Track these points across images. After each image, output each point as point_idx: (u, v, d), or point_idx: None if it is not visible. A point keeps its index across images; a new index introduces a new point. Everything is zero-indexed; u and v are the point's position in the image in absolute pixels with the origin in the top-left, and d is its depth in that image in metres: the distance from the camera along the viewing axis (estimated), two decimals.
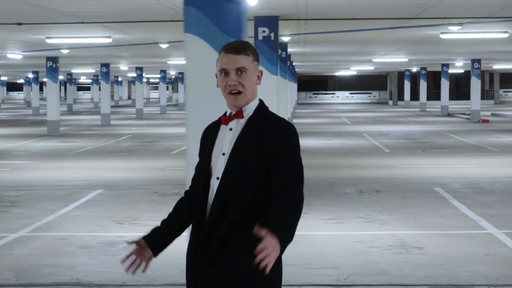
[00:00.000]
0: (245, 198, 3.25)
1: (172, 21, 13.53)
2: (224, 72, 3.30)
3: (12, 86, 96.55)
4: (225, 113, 3.39)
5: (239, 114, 3.33)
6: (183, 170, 16.00)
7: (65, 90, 79.43)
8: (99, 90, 72.58)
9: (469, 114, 38.03)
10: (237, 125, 3.33)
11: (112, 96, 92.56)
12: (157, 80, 77.57)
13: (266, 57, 13.22)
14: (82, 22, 13.75)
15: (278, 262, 3.29)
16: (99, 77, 36.51)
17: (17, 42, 19.25)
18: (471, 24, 14.83)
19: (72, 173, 16.22)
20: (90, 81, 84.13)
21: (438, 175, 15.20)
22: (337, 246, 8.79)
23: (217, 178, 3.31)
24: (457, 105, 59.44)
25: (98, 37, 17.35)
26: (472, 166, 16.78)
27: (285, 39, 18.15)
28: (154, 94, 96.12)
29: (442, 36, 17.29)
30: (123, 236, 9.47)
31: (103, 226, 10.23)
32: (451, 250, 8.50)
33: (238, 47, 3.29)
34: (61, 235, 9.65)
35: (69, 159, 19.37)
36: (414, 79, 64.26)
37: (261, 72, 3.41)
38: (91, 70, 47.06)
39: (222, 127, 3.38)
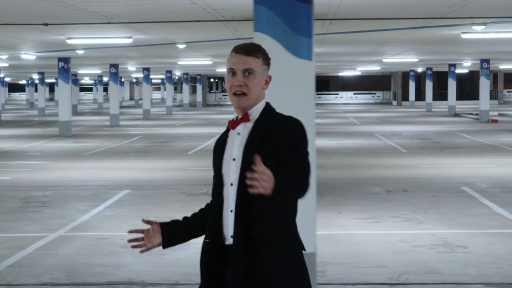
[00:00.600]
0: (266, 203, 3.18)
1: (199, 21, 13.55)
2: (232, 72, 3.28)
3: (13, 87, 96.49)
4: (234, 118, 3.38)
5: (245, 117, 3.30)
6: (204, 170, 16.16)
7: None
8: (103, 91, 73.04)
9: (476, 114, 38.07)
10: (244, 129, 3.30)
11: None
12: (159, 81, 77.62)
13: None
14: (109, 23, 13.74)
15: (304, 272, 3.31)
16: (108, 78, 36.40)
17: (35, 42, 19.23)
18: (494, 24, 14.84)
19: (94, 173, 16.22)
20: (91, 82, 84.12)
21: (462, 174, 15.21)
22: (380, 245, 8.80)
23: (231, 185, 3.27)
24: (461, 105, 59.46)
25: (119, 38, 17.36)
26: (494, 166, 16.79)
27: None
28: (156, 95, 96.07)
29: (463, 36, 17.30)
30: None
31: (139, 226, 10.20)
32: (497, 249, 8.51)
33: (249, 49, 3.27)
34: (101, 234, 9.65)
35: (87, 160, 19.37)
36: (419, 79, 64.32)
37: (270, 77, 3.36)
38: (97, 71, 47.05)
39: (231, 132, 3.35)
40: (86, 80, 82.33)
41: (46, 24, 13.93)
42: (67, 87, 28.76)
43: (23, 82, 78.55)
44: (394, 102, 66.74)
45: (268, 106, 3.34)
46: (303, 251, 3.35)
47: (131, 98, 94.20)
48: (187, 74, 56.73)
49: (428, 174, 15.44)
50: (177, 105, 69.88)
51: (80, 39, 17.46)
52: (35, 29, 15.15)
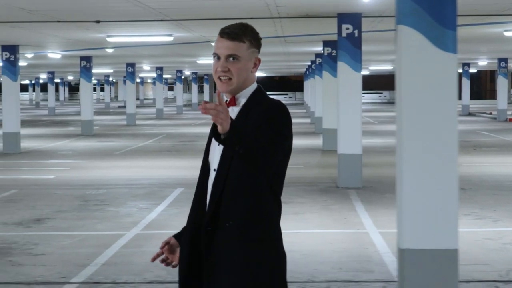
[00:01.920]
0: (242, 190, 3.18)
1: (251, 18, 13.46)
2: (217, 57, 3.22)
3: None
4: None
5: (231, 101, 3.25)
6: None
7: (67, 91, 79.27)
8: (101, 91, 72.66)
9: (490, 113, 38.04)
10: (232, 114, 3.22)
11: (116, 96, 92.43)
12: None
13: (349, 54, 13.14)
14: (162, 20, 13.64)
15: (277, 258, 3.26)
16: (124, 77, 36.26)
17: (69, 40, 19.11)
18: None
19: (138, 172, 16.10)
20: (95, 81, 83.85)
21: (509, 172, 15.18)
22: (468, 243, 8.71)
23: (214, 170, 3.25)
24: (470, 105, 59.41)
25: (160, 36, 17.26)
26: None
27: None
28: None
29: (506, 33, 17.24)
30: None
31: None
32: None
33: (233, 33, 3.18)
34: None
35: (122, 158, 19.26)
36: None
37: (259, 60, 3.29)
38: (109, 71, 46.88)
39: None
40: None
41: (98, 22, 13.84)
42: (89, 86, 28.63)
43: (26, 82, 78.17)
44: None
45: (258, 91, 3.28)
46: (284, 254, 3.34)
47: (137, 98, 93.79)
48: (195, 73, 56.60)
49: (475, 172, 15.37)
50: (183, 104, 69.65)
51: (120, 37, 17.34)
52: (82, 26, 15.04)
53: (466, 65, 42.09)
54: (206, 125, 33.87)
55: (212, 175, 3.25)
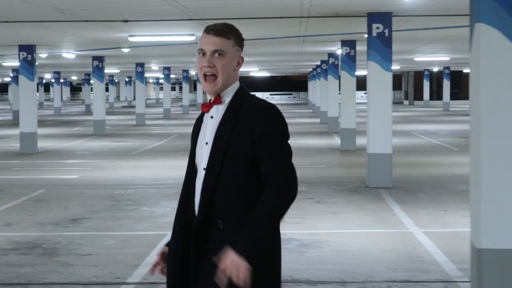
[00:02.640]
0: (234, 189, 3.15)
1: (280, 17, 13.42)
2: (202, 53, 3.22)
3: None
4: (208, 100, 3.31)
5: (217, 100, 3.23)
6: None
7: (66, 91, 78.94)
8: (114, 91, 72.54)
9: None
10: (217, 112, 3.24)
11: (118, 96, 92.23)
12: (162, 81, 77.26)
13: (380, 53, 13.09)
14: (190, 19, 13.58)
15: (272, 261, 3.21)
16: (134, 77, 36.19)
17: (88, 40, 19.05)
18: None
19: (161, 171, 16.05)
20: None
21: None
22: None
23: (204, 169, 3.21)
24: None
25: (182, 35, 17.20)
26: None
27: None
28: (159, 95, 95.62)
29: None
30: (285, 233, 9.33)
31: None
32: None
33: (219, 29, 3.21)
34: None
35: (141, 158, 19.19)
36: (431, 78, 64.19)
37: (242, 59, 3.30)
38: (115, 71, 46.78)
39: (205, 116, 3.28)
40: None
41: (125, 21, 13.77)
42: (102, 86, 28.55)
43: None
44: (405, 102, 66.67)
45: (241, 89, 3.28)
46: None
47: (135, 98, 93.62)
48: None
49: None
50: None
51: (141, 37, 17.27)
52: (108, 26, 14.98)
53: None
54: None
55: (202, 174, 3.21)
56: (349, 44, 20.46)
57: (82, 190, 13.40)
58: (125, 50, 22.57)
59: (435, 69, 55.37)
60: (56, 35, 18.08)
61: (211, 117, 3.25)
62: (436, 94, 65.10)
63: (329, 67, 28.15)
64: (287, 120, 3.25)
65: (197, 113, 48.84)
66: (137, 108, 35.45)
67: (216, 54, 3.18)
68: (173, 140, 25.23)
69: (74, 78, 66.97)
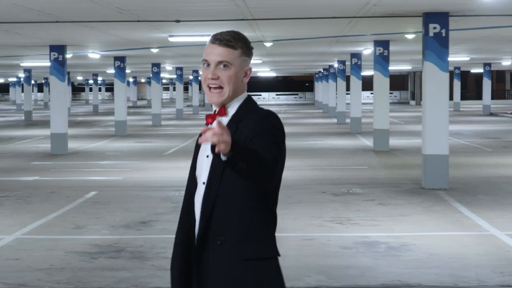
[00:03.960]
0: (234, 204, 3.00)
1: (333, 17, 13.32)
2: (207, 64, 3.05)
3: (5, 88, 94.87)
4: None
5: (221, 111, 3.07)
6: (314, 169, 15.94)
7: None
8: (105, 91, 72.23)
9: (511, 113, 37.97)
10: None
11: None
12: (166, 81, 77.05)
13: (436, 53, 12.99)
14: (243, 19, 13.47)
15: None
16: (150, 77, 36.03)
17: (124, 40, 18.93)
18: None
19: None
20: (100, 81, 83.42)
21: None
22: None
23: (203, 183, 3.07)
24: (479, 105, 59.44)
25: None
26: None
27: (409, 36, 17.95)
28: (164, 95, 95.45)
29: None
30: (367, 236, 9.24)
31: (327, 226, 9.97)
32: None
33: (225, 39, 3.01)
34: (301, 235, 9.38)
35: (175, 159, 19.06)
36: None
37: (250, 70, 3.11)
38: (126, 71, 46.56)
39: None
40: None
41: (178, 21, 13.65)
42: (123, 86, 28.42)
43: (32, 82, 77.67)
44: (412, 102, 66.61)
45: (248, 101, 3.11)
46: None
47: (140, 98, 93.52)
48: None
49: None
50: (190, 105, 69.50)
51: (181, 37, 17.14)
52: (153, 26, 14.86)
53: (487, 65, 42.04)
54: None
55: (201, 188, 3.08)
56: (383, 44, 20.38)
57: (134, 192, 13.27)
58: (154, 51, 22.43)
59: None
60: (89, 36, 17.95)
61: None
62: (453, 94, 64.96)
63: (352, 67, 28.08)
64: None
65: (205, 113, 48.65)
66: (153, 108, 35.32)
67: (221, 66, 3.01)
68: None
69: (79, 78, 66.67)
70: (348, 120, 35.33)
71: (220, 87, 3.02)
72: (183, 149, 22.13)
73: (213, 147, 2.67)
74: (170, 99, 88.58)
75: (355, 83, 28.07)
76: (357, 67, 28.02)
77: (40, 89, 76.89)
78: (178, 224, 3.19)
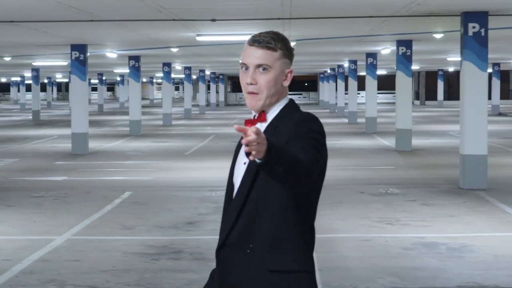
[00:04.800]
0: (266, 212, 2.85)
1: (368, 17, 13.22)
2: (245, 67, 2.89)
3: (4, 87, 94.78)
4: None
5: (261, 117, 2.92)
6: (343, 170, 15.85)
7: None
8: (108, 90, 72.18)
9: None
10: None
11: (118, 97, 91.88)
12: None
13: (476, 53, 12.91)
14: (279, 18, 13.37)
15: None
16: (162, 77, 35.91)
17: (150, 39, 18.82)
18: None
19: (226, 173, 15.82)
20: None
21: None
22: None
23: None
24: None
25: (250, 34, 16.97)
26: None
27: (437, 36, 17.87)
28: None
29: None
30: (423, 237, 9.16)
31: (378, 227, 9.88)
32: None
33: (264, 41, 2.85)
34: (356, 236, 9.29)
35: (199, 159, 18.95)
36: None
37: (291, 72, 2.94)
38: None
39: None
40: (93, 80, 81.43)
41: (213, 20, 13.55)
42: (138, 85, 28.29)
43: (29, 82, 77.53)
44: (416, 102, 66.56)
45: (289, 105, 2.95)
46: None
47: (146, 98, 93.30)
48: (214, 73, 56.33)
49: None
50: (195, 104, 69.37)
51: (209, 36, 17.03)
52: (182, 25, 14.75)
53: (496, 65, 41.99)
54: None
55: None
56: (406, 43, 20.29)
57: (169, 192, 13.16)
58: (174, 50, 22.31)
59: (451, 69, 55.27)
60: (113, 35, 17.84)
61: None
62: (448, 94, 64.98)
63: (367, 67, 28.02)
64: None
65: (213, 113, 48.59)
66: (164, 108, 35.21)
67: (260, 69, 2.85)
68: (214, 141, 25.00)
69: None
70: (359, 120, 35.33)
71: (258, 92, 2.88)
72: (202, 149, 22.03)
73: (248, 154, 2.54)
74: (173, 99, 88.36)
75: (371, 82, 28.01)
76: (372, 67, 27.96)
77: (43, 89, 76.64)
78: (219, 232, 3.06)
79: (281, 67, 2.88)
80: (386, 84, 75.56)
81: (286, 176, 2.57)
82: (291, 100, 2.97)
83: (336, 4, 11.81)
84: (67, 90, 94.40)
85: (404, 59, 20.38)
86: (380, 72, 60.21)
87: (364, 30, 16.74)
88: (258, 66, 2.85)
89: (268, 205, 2.84)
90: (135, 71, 28.09)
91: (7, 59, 28.67)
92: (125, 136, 27.52)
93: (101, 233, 9.70)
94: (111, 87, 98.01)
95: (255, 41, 2.86)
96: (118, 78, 74.00)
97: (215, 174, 15.67)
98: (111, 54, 25.14)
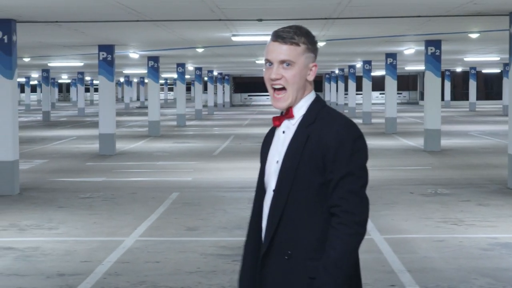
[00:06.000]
0: (304, 215, 2.80)
1: (427, 17, 13.15)
2: (269, 63, 2.87)
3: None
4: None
5: (289, 113, 2.89)
6: (380, 170, 15.78)
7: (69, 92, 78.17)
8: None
9: None
10: (289, 127, 2.89)
11: (122, 97, 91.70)
12: (171, 81, 76.71)
13: None
14: (326, 18, 13.30)
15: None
16: (176, 78, 35.81)
17: (184, 40, 18.73)
18: None
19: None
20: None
21: None
22: None
23: (273, 191, 2.88)
24: (487, 105, 59.55)
25: None
26: None
27: (473, 36, 17.85)
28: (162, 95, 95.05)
29: None
30: (495, 237, 9.10)
31: (444, 227, 9.82)
32: None
33: (287, 36, 2.82)
34: (428, 237, 9.22)
35: (228, 160, 18.87)
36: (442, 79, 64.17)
37: (316, 66, 2.91)
38: (143, 71, 46.35)
39: (276, 130, 2.94)
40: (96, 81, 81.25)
41: (260, 20, 13.48)
42: (157, 86, 28.18)
43: (35, 82, 77.37)
44: (421, 102, 66.58)
45: (316, 101, 2.91)
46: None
47: (138, 99, 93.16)
48: (221, 74, 56.26)
49: None
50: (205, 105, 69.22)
51: (243, 36, 16.95)
52: (227, 24, 14.68)
53: (506, 65, 41.98)
54: (254, 126, 33.50)
55: (270, 195, 2.89)
56: (435, 43, 20.24)
57: (217, 193, 13.09)
58: (199, 50, 22.24)
59: (458, 70, 55.30)
60: (144, 35, 17.75)
61: (283, 132, 2.89)
62: (453, 95, 65.05)
63: (387, 67, 27.99)
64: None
65: (222, 114, 48.50)
66: (178, 109, 35.12)
67: (285, 64, 2.83)
68: (235, 141, 24.92)
69: (87, 78, 66.36)
70: (374, 120, 35.32)
71: (284, 88, 2.85)
72: (227, 149, 21.93)
73: None
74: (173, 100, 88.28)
75: (390, 82, 27.99)
76: (392, 67, 27.93)
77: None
78: (247, 235, 3.02)
79: (305, 61, 2.85)
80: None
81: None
82: (318, 96, 2.93)
83: (393, 3, 11.73)
84: (68, 91, 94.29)
85: (433, 59, 20.33)
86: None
87: (398, 30, 16.68)
88: (282, 61, 2.82)
89: (308, 208, 2.79)
90: (154, 71, 27.99)
91: (26, 60, 28.54)
92: (144, 136, 27.42)
93: (167, 234, 9.62)
94: None
95: (279, 36, 2.83)
96: (122, 79, 73.91)
97: (252, 174, 15.54)
98: (134, 55, 25.03)
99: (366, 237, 8.08)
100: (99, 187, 14.00)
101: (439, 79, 20.46)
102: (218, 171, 16.38)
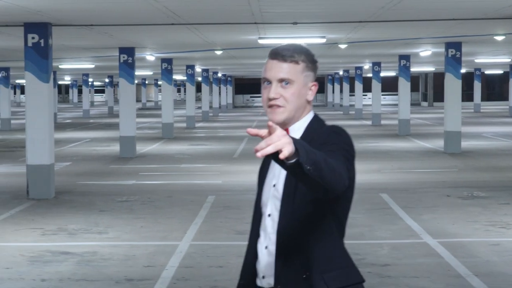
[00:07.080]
0: (313, 233, 2.76)
1: (447, 20, 13.18)
2: (267, 82, 2.78)
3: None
4: None
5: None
6: (408, 173, 15.82)
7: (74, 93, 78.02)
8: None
9: None
10: None
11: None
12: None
13: None
14: (359, 21, 13.32)
15: None
16: (185, 79, 35.82)
17: (207, 42, 18.73)
18: None
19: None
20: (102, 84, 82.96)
21: None
22: None
23: (269, 216, 2.83)
24: (489, 106, 59.67)
25: (313, 37, 16.95)
26: None
27: (498, 38, 17.88)
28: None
29: None
30: None
31: (494, 231, 9.84)
32: None
33: (286, 53, 2.75)
34: (482, 241, 9.24)
35: (253, 162, 18.83)
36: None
37: (315, 85, 2.83)
38: (149, 72, 46.32)
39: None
40: (100, 83, 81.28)
41: (295, 23, 13.49)
42: (170, 88, 28.17)
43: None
44: (424, 103, 66.67)
45: (314, 120, 2.85)
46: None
47: (138, 100, 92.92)
48: (225, 75, 56.24)
49: None
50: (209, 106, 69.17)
51: (271, 39, 16.94)
52: (259, 27, 14.69)
53: None
54: (263, 128, 33.41)
55: (267, 221, 2.83)
56: (455, 45, 20.27)
57: (250, 196, 12.97)
58: (218, 53, 22.24)
59: (462, 71, 55.38)
60: (166, 38, 17.75)
61: None
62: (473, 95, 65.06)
63: (400, 69, 28.02)
64: (328, 122, 2.88)
65: (226, 115, 48.44)
66: (187, 110, 35.10)
67: (283, 83, 2.74)
68: (250, 143, 24.92)
69: (90, 79, 66.20)
70: (383, 122, 35.37)
71: (282, 106, 2.76)
72: (246, 152, 21.89)
73: (275, 157, 2.37)
74: (175, 101, 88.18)
75: (404, 84, 28.04)
76: (405, 69, 27.98)
77: None
78: (244, 260, 2.98)
79: (304, 80, 2.78)
80: (392, 85, 75.66)
81: (319, 176, 2.43)
82: (316, 115, 2.87)
83: (437, 7, 11.74)
84: (66, 92, 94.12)
85: (454, 61, 20.36)
86: (386, 73, 60.25)
87: (425, 33, 16.72)
88: (281, 80, 2.75)
89: (314, 224, 2.76)
90: (168, 73, 27.98)
91: None
92: (158, 138, 27.38)
93: (219, 238, 9.62)
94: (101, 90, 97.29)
95: (278, 54, 2.76)
96: None
97: None
98: (150, 57, 25.03)
99: (419, 240, 8.14)
100: (132, 190, 13.98)
101: (459, 81, 20.49)
102: (244, 174, 16.37)
